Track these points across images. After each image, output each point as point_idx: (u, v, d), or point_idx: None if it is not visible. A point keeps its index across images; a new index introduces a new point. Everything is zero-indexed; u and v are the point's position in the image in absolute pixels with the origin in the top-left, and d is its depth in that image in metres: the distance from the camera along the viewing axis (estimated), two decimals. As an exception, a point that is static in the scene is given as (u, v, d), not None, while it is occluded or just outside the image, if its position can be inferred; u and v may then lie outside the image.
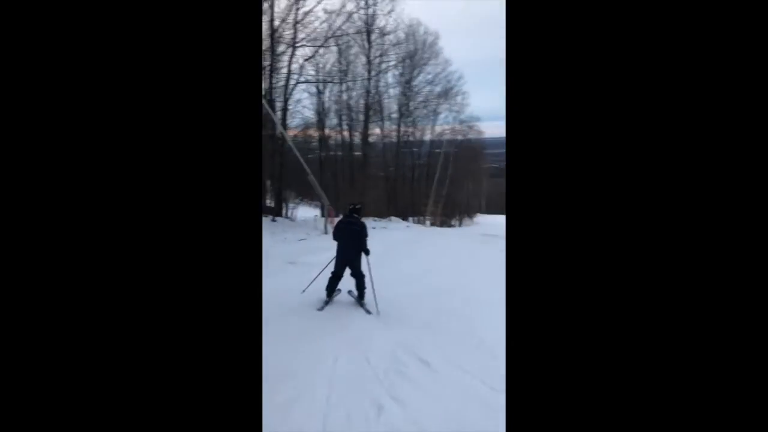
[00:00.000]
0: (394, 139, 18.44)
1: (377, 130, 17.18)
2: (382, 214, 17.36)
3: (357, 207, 3.77)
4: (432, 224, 19.19)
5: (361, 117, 15.71)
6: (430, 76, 19.01)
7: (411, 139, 19.44)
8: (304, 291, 3.74)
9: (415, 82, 18.50)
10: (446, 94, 19.70)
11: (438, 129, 21.09)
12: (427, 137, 20.86)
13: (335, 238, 3.61)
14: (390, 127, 18.17)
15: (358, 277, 3.58)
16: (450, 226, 21.85)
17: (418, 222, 18.35)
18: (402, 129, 18.59)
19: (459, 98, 20.88)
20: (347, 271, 3.59)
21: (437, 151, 20.97)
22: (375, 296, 3.52)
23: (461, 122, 21.79)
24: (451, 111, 21.14)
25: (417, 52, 17.41)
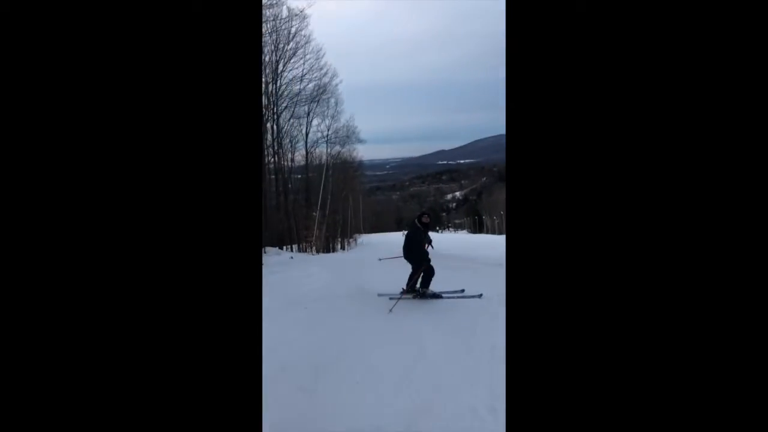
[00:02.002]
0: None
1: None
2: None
3: (422, 217, 4.76)
4: (317, 251, 17.82)
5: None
6: (299, 70, 15.00)
7: (283, 162, 16.67)
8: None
9: (281, 70, 14.36)
10: (320, 93, 16.95)
11: (317, 153, 18.95)
12: (299, 158, 18.58)
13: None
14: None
15: (418, 271, 4.52)
16: (332, 251, 20.57)
17: (302, 250, 16.69)
18: (272, 151, 15.50)
19: (333, 101, 18.19)
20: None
21: (311, 175, 19.43)
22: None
23: (343, 145, 19.95)
24: (325, 118, 18.66)
25: (283, 24, 13.37)
